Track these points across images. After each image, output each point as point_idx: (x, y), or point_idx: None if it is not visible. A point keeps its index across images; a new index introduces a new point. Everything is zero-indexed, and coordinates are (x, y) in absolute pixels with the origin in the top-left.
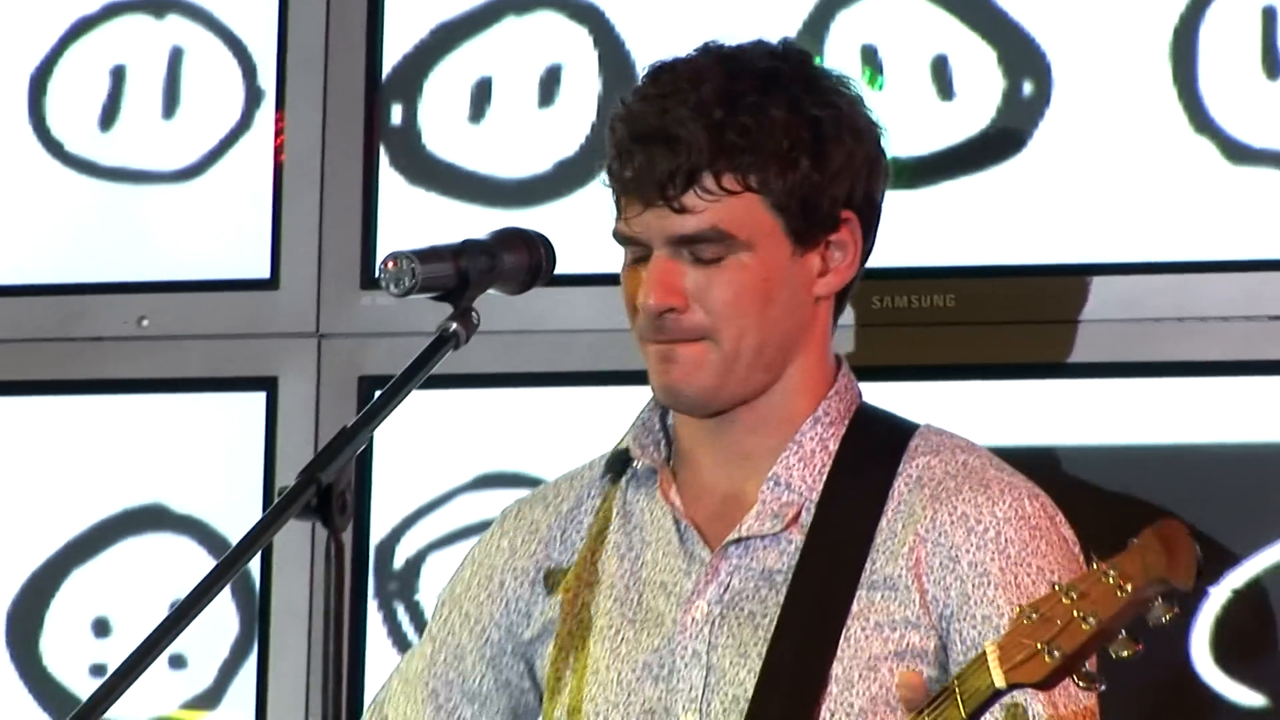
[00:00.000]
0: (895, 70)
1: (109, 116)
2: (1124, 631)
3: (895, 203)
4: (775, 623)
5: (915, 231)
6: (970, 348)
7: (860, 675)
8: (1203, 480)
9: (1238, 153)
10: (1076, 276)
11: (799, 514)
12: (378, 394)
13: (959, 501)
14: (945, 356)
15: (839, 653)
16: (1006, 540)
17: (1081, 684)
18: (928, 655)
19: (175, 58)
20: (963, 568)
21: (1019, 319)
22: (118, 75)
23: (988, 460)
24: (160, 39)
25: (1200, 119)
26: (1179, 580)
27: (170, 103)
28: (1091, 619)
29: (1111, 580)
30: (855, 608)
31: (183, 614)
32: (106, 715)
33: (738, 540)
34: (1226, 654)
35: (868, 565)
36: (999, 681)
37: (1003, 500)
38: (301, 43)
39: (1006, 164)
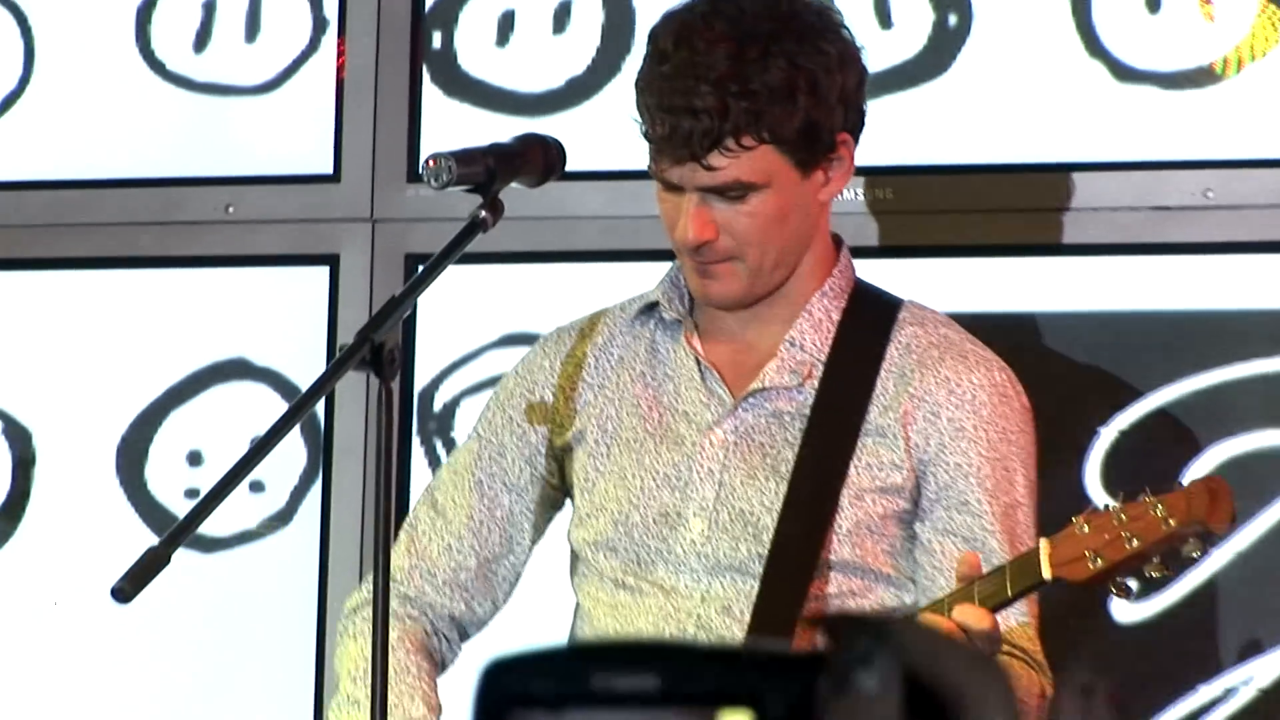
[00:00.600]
0: (845, 4)
1: (201, 41)
2: (1158, 557)
3: None
4: (795, 456)
5: (861, 138)
6: (906, 232)
7: (850, 503)
8: (1091, 341)
9: (1124, 73)
10: (993, 174)
11: (811, 371)
12: (420, 269)
13: (942, 368)
14: (886, 240)
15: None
16: (980, 403)
17: (1115, 591)
18: (905, 492)
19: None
20: (942, 423)
21: (945, 209)
22: (209, 7)
23: (964, 335)
24: None
25: (1094, 45)
26: (1218, 527)
27: (252, 29)
28: (1135, 540)
29: (1159, 513)
30: (856, 450)
31: (261, 448)
32: (199, 530)
33: (760, 390)
34: (1113, 483)
35: (867, 416)
36: (1046, 574)
37: (978, 370)
38: None
39: (935, 82)
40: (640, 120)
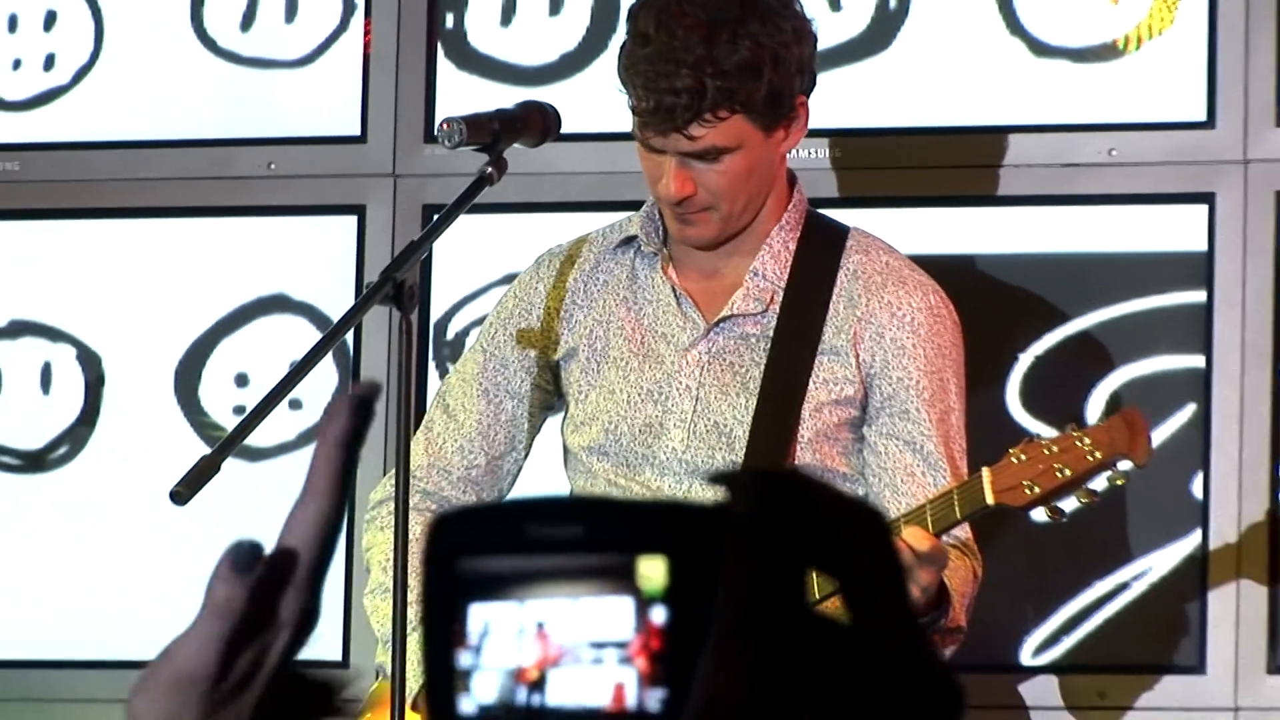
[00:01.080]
0: None
1: (247, 21)
2: (1084, 486)
3: None
4: (761, 373)
5: (813, 104)
6: (850, 185)
7: (810, 415)
8: (1012, 279)
9: (1040, 49)
10: (928, 136)
11: (773, 297)
12: (435, 218)
13: (885, 293)
14: (832, 191)
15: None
16: (918, 324)
17: (1049, 514)
18: (855, 401)
19: None
20: (886, 342)
21: (887, 166)
22: None
23: (903, 260)
24: None
25: (1014, 24)
26: (1138, 457)
27: (291, 11)
28: (1066, 470)
29: (1085, 445)
30: (814, 367)
31: (298, 371)
32: (246, 441)
33: (731, 316)
34: (1030, 401)
35: (822, 337)
36: (990, 500)
37: (916, 294)
38: None
39: (878, 56)
40: (625, 92)
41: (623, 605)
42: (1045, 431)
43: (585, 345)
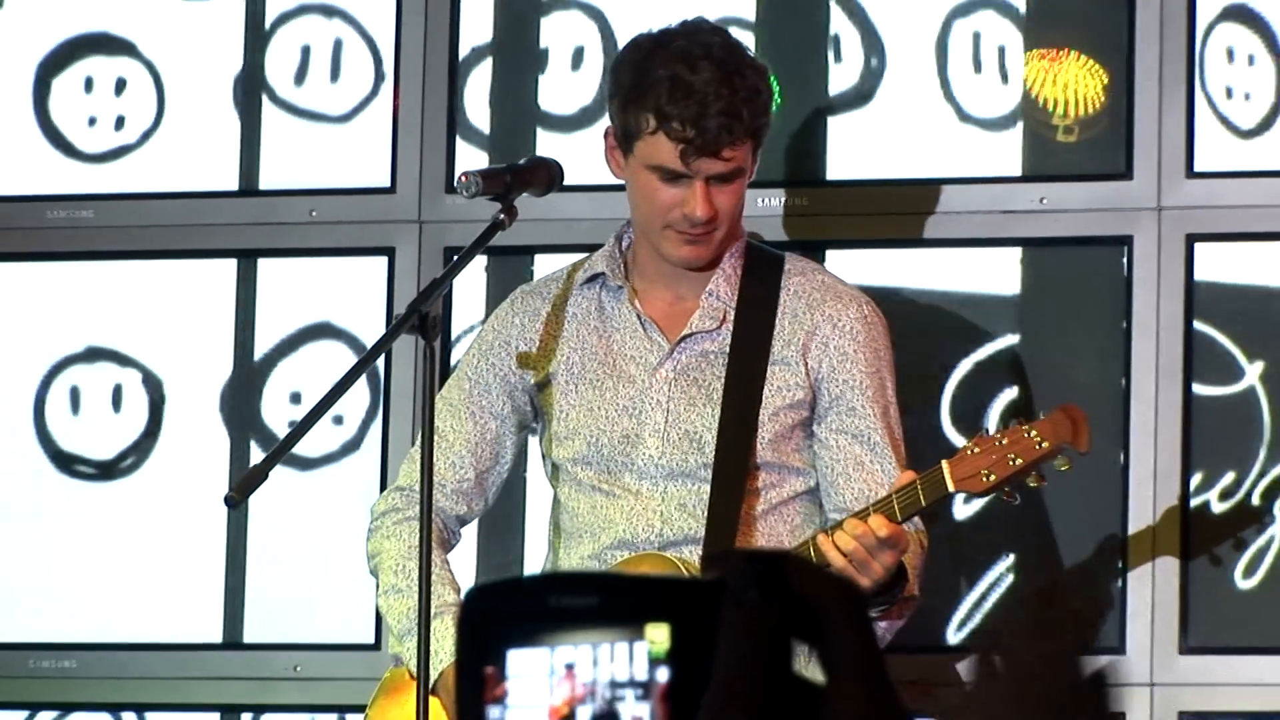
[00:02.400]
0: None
1: (300, 78)
2: (1035, 471)
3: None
4: (722, 385)
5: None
6: (816, 230)
7: (768, 419)
8: (948, 309)
9: (965, 118)
10: (892, 188)
11: (725, 316)
12: (455, 258)
13: (826, 307)
14: (801, 235)
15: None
16: (856, 332)
17: (1005, 497)
18: (805, 404)
19: (338, 47)
20: (830, 350)
21: (851, 213)
22: (305, 52)
23: (836, 279)
24: (329, 33)
25: (948, 93)
26: (1080, 445)
27: (335, 73)
28: (1018, 460)
29: (1033, 437)
30: (767, 376)
31: (339, 390)
32: (293, 450)
33: (689, 335)
34: (958, 417)
35: (772, 349)
36: (950, 488)
37: (851, 306)
38: (410, 44)
39: (859, 111)
40: (646, 118)
41: (641, 655)
42: (958, 438)
43: (563, 370)
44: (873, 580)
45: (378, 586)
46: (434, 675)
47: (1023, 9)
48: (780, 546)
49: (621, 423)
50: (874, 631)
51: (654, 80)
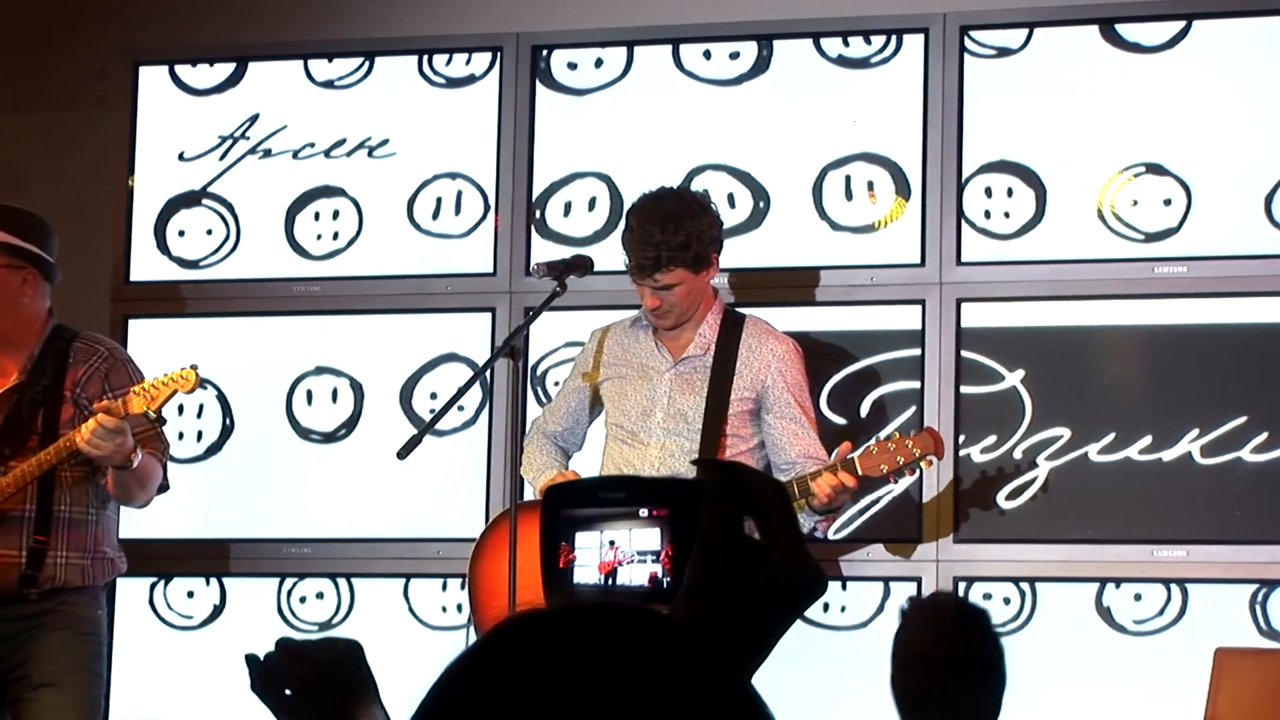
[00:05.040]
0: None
1: (435, 213)
2: (909, 466)
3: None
4: (706, 387)
5: (724, 255)
6: (751, 295)
7: (732, 407)
8: (826, 342)
9: (836, 227)
10: (785, 271)
11: (709, 348)
12: (530, 313)
13: (768, 344)
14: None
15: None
16: (788, 359)
17: (890, 480)
18: (754, 402)
19: (459, 195)
20: (772, 370)
21: (766, 285)
22: (439, 201)
23: (772, 328)
24: (454, 188)
25: (822, 213)
26: (940, 454)
27: (456, 207)
28: (900, 459)
29: (911, 445)
30: (733, 383)
31: (460, 392)
32: (435, 426)
33: (685, 357)
34: (832, 402)
35: (736, 369)
36: (860, 473)
37: (784, 343)
38: (504, 189)
39: (753, 234)
40: (624, 253)
41: (654, 534)
42: (839, 420)
43: (613, 376)
44: (835, 506)
45: (522, 464)
46: (538, 488)
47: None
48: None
49: (641, 404)
50: (793, 513)
51: (626, 227)
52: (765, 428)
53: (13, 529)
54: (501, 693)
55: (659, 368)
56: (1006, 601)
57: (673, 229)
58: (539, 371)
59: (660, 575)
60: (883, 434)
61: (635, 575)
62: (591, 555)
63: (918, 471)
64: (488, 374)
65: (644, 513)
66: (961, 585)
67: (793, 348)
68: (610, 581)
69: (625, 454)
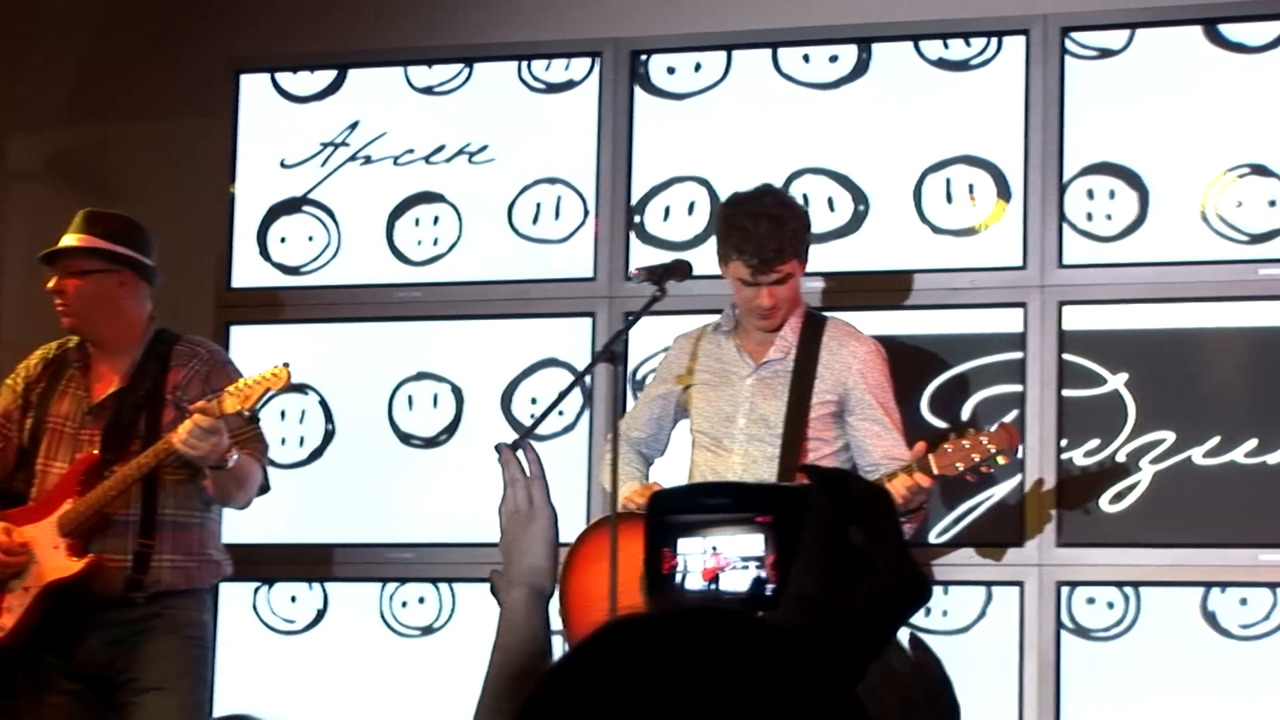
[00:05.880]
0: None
1: (535, 218)
2: (985, 464)
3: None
4: (787, 390)
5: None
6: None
7: (813, 409)
8: (921, 347)
9: (937, 230)
10: (890, 275)
11: (789, 350)
12: (629, 319)
13: (849, 345)
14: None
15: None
16: (871, 359)
17: (968, 478)
18: (836, 402)
19: (559, 200)
20: (853, 372)
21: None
22: (539, 206)
23: (856, 329)
24: (553, 193)
25: (922, 217)
26: (1014, 450)
27: (556, 212)
28: (976, 456)
29: (985, 442)
30: (814, 384)
31: (561, 397)
32: (537, 430)
33: (765, 361)
34: (934, 406)
35: (817, 372)
36: (935, 471)
37: (866, 344)
38: (604, 193)
39: (850, 238)
40: (729, 256)
41: (758, 539)
42: (940, 423)
43: (701, 381)
44: (913, 507)
45: (602, 470)
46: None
47: (981, 169)
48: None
49: (724, 409)
50: (898, 520)
51: (736, 228)
52: (849, 430)
53: (118, 533)
54: (605, 695)
55: (741, 373)
56: (1110, 606)
57: (784, 221)
58: (638, 376)
59: (763, 581)
60: (954, 432)
61: (738, 581)
62: (695, 561)
63: (993, 469)
64: (587, 379)
65: (748, 519)
66: (1064, 590)
67: (875, 348)
68: (713, 587)
69: (710, 461)
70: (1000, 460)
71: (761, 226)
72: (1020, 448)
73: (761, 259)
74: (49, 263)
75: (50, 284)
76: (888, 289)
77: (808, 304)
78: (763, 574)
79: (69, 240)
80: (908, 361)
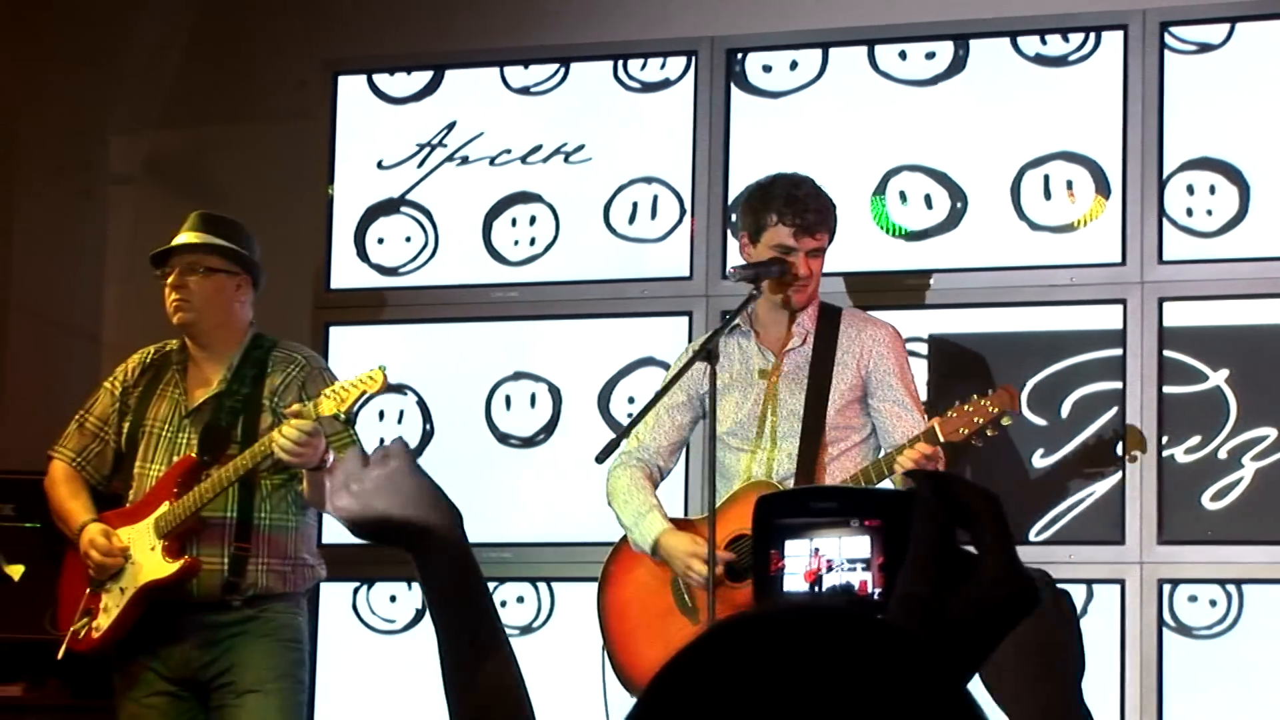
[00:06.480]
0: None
1: (631, 218)
2: (990, 426)
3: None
4: (807, 380)
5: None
6: (858, 300)
7: (835, 399)
8: (1021, 343)
9: (1035, 227)
10: (985, 272)
11: (807, 338)
12: (726, 317)
13: (868, 330)
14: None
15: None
16: (888, 343)
17: (973, 442)
18: (859, 388)
19: (655, 199)
20: (874, 355)
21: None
22: (635, 206)
23: (871, 315)
24: (649, 192)
25: (1020, 213)
26: (1015, 409)
27: (652, 211)
28: (978, 419)
29: (988, 404)
30: (834, 373)
31: (658, 397)
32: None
33: (788, 350)
34: (1033, 404)
35: (837, 358)
36: (941, 439)
37: (884, 328)
38: (700, 189)
39: (948, 235)
40: (771, 216)
41: (865, 542)
42: (1040, 421)
43: (723, 382)
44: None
45: (614, 500)
46: (647, 545)
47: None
48: (850, 475)
49: (748, 408)
50: (1007, 522)
51: (774, 195)
52: (871, 412)
53: (215, 536)
54: (717, 694)
55: (765, 369)
56: (1212, 604)
57: (823, 194)
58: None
59: (870, 584)
60: (958, 400)
61: (840, 583)
62: (799, 563)
63: (998, 430)
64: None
65: (855, 522)
66: (1166, 587)
67: (893, 332)
68: (816, 589)
69: (746, 462)
70: (1004, 421)
71: (804, 189)
72: (1019, 405)
73: (804, 222)
74: (164, 259)
75: (170, 278)
76: (988, 286)
77: (929, 303)
78: (869, 577)
79: (192, 237)
80: (1006, 359)
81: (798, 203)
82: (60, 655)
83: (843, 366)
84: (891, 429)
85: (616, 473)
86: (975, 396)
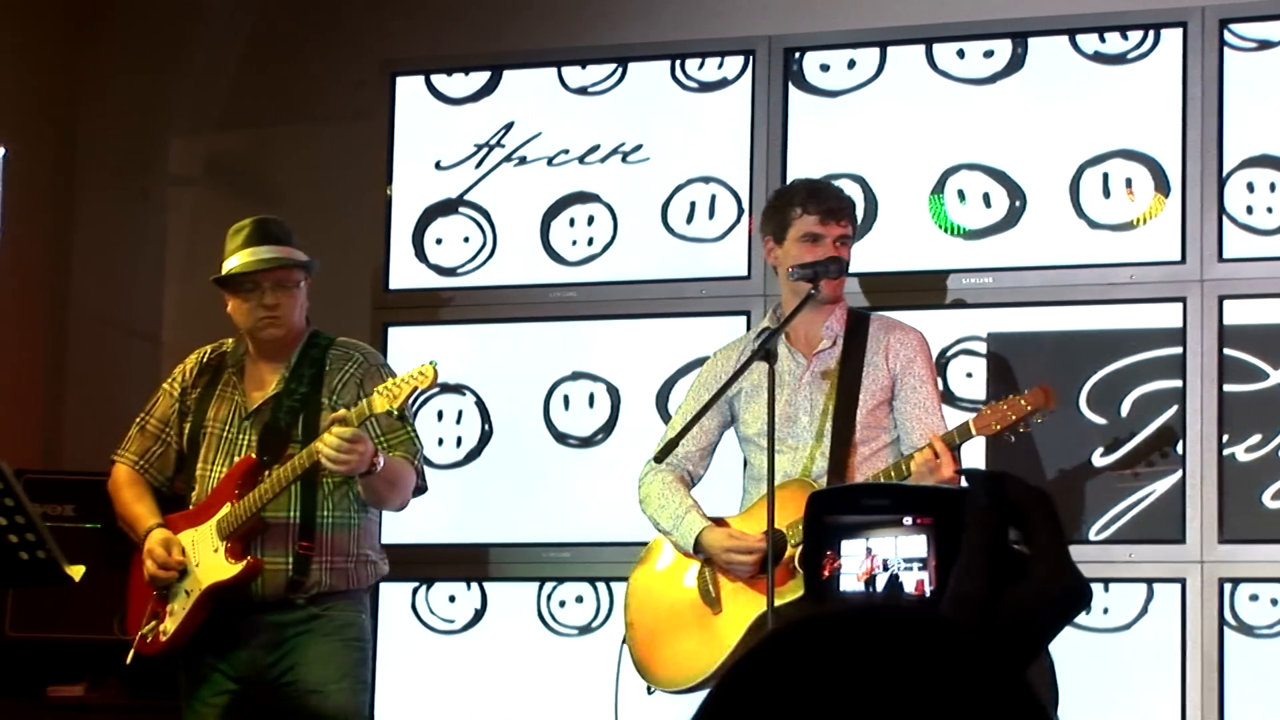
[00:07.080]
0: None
1: (689, 217)
2: (1024, 422)
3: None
4: (837, 381)
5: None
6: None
7: (865, 400)
8: (1086, 340)
9: (1094, 225)
10: (1060, 270)
11: (837, 341)
12: (782, 314)
13: (895, 334)
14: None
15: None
16: (916, 348)
17: (1008, 438)
18: (887, 389)
19: (713, 199)
20: (901, 358)
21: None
22: (693, 205)
23: (898, 320)
24: (706, 191)
25: (1079, 212)
26: (1051, 407)
27: (710, 211)
28: (1013, 415)
29: (1023, 402)
30: (863, 375)
31: (717, 396)
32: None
33: (818, 352)
34: (1093, 403)
35: (866, 359)
36: (974, 433)
37: (911, 333)
38: (759, 187)
39: (1007, 234)
40: (794, 210)
41: (920, 541)
42: (1099, 419)
43: (749, 385)
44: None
45: (648, 506)
46: (689, 544)
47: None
48: (878, 474)
49: (785, 411)
50: (1060, 522)
51: (795, 191)
52: (895, 412)
53: (278, 536)
54: (782, 696)
55: (795, 372)
56: (1274, 603)
57: (845, 196)
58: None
59: (926, 584)
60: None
61: (892, 579)
62: (854, 563)
63: (1032, 427)
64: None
65: (908, 520)
66: (1227, 586)
67: (920, 336)
68: (871, 589)
69: (779, 462)
70: (1038, 419)
71: (823, 182)
72: (1055, 404)
73: (828, 207)
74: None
75: (267, 299)
76: (1046, 284)
77: (992, 302)
78: (926, 576)
79: (270, 253)
80: (1065, 357)
81: (819, 192)
82: (129, 660)
83: (872, 368)
84: (911, 430)
85: (648, 479)
86: (1011, 395)
